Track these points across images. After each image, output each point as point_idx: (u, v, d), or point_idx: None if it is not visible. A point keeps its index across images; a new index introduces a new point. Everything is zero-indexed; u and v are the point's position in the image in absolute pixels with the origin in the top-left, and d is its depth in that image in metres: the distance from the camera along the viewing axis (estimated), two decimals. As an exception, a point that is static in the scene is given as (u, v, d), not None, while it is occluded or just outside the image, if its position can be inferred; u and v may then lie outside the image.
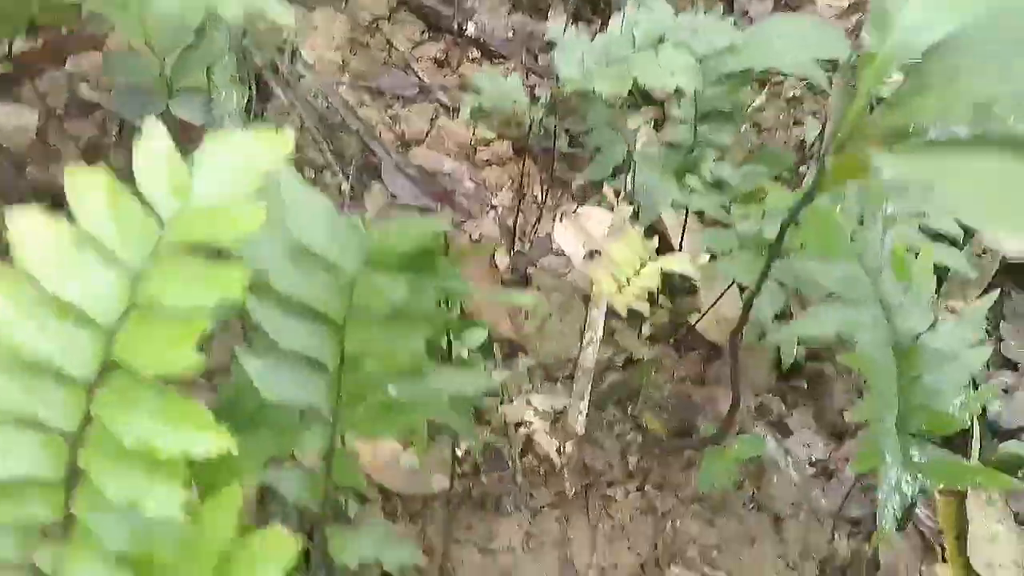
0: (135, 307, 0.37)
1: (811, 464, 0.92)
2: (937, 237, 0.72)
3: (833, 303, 0.59)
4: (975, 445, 0.91)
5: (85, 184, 0.39)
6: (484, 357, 0.85)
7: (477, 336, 0.83)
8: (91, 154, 0.87)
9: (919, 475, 0.64)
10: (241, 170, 0.40)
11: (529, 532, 0.81)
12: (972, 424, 0.91)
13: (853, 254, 0.61)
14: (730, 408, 0.68)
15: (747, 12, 1.36)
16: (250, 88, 0.90)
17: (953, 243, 0.73)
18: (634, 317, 0.95)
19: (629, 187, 0.85)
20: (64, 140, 0.85)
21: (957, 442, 0.90)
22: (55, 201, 0.81)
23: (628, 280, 0.62)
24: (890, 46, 0.41)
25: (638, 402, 0.87)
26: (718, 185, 0.80)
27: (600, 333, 0.86)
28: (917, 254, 0.66)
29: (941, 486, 0.92)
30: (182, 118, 0.70)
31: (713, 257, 0.78)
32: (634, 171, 0.83)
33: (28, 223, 0.39)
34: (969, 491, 0.90)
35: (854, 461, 0.60)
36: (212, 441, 0.36)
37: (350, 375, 0.41)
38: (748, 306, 0.61)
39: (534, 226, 1.01)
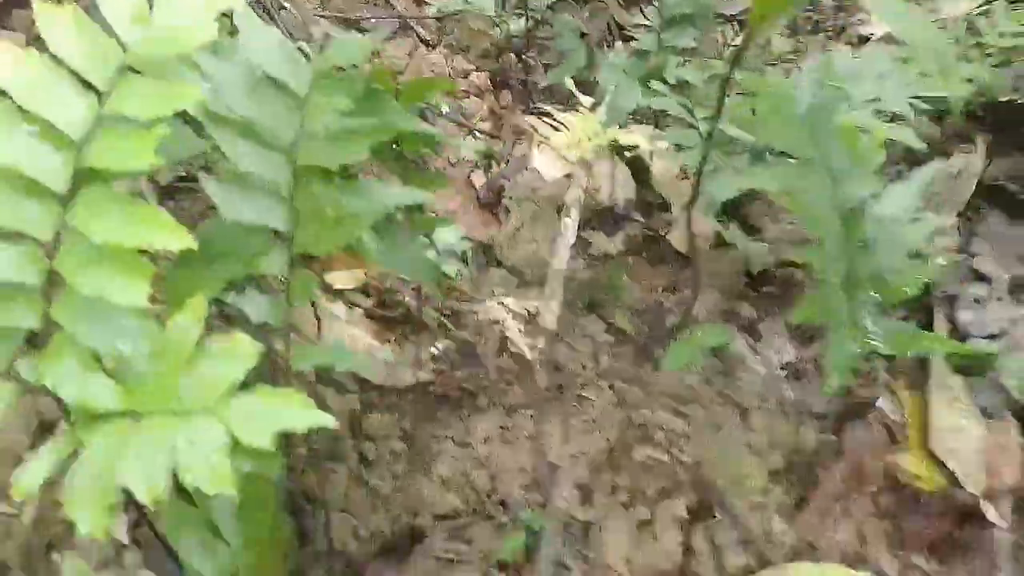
0: (102, 120, 0.41)
1: (782, 368, 0.94)
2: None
3: (782, 162, 0.62)
4: (940, 327, 0.94)
5: (54, 17, 0.42)
6: (458, 260, 0.88)
7: (450, 236, 0.86)
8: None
9: (873, 341, 0.67)
10: (197, 5, 0.43)
11: (504, 426, 0.85)
12: (934, 309, 0.94)
13: (802, 121, 0.63)
14: (692, 288, 0.71)
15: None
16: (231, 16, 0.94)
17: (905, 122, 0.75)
18: (606, 229, 0.98)
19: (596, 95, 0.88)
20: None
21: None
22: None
23: (585, 139, 0.65)
24: None
25: (610, 305, 0.90)
26: (682, 87, 0.83)
27: (572, 238, 0.89)
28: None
29: (906, 387, 0.95)
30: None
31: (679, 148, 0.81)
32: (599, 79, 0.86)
33: (4, 52, 0.42)
34: (933, 387, 0.92)
35: (797, 311, 0.63)
36: (174, 239, 0.40)
37: (302, 193, 0.44)
38: (698, 180, 0.64)
39: (511, 147, 1.04)
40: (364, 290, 0.87)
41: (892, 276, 0.66)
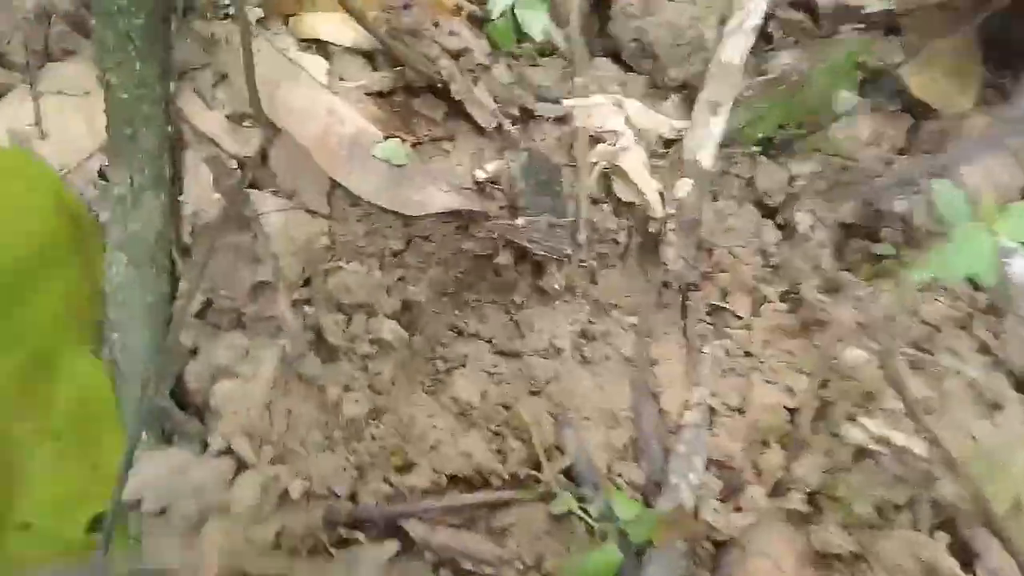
0: None
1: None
2: None
3: None
4: None
5: None
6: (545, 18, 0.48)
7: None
8: None
9: None
10: None
11: (587, 333, 0.47)
12: None
13: None
14: None
15: None
16: None
17: None
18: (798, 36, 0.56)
19: None
20: None
21: None
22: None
23: None
24: None
25: (800, 150, 0.50)
26: None
27: (757, 19, 0.48)
28: None
29: None
30: None
31: None
32: None
33: None
34: None
35: None
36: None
37: None
38: None
39: None
40: (368, 53, 0.47)
41: None
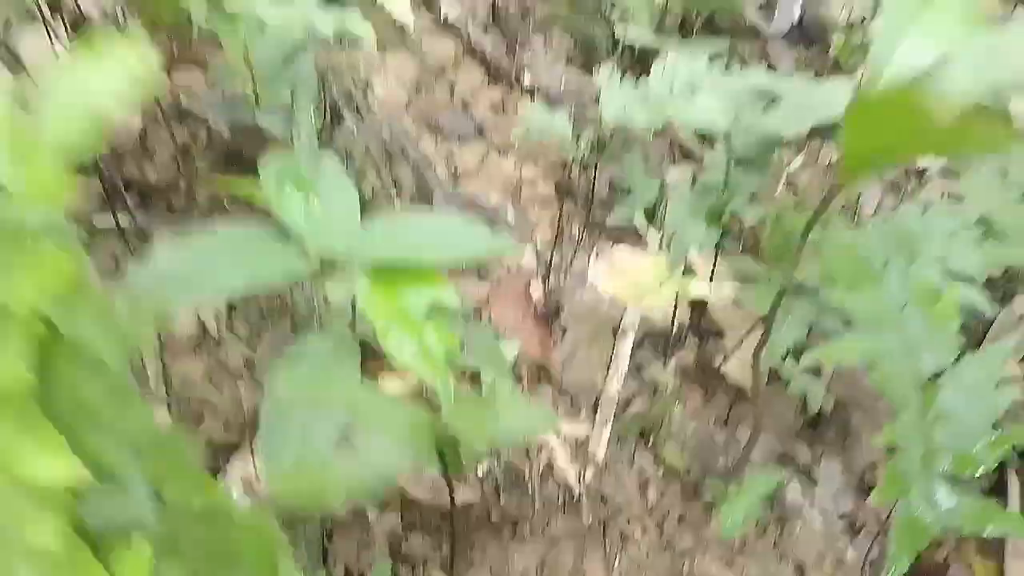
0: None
1: (840, 517, 0.89)
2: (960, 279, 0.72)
3: (857, 331, 0.61)
4: (1013, 492, 0.88)
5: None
6: (510, 379, 0.88)
7: (508, 352, 0.86)
8: (184, 154, 0.95)
9: (945, 518, 0.63)
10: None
11: (545, 561, 0.81)
12: (1007, 471, 0.88)
13: (878, 286, 0.62)
14: (752, 432, 0.69)
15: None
16: (325, 113, 1.00)
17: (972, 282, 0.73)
18: (661, 356, 0.97)
19: (661, 227, 0.89)
20: (160, 142, 0.94)
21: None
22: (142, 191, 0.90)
23: (649, 293, 0.65)
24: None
25: (660, 437, 0.88)
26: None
27: (626, 366, 0.88)
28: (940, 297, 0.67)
29: (977, 552, 0.89)
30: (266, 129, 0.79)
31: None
32: (665, 211, 0.87)
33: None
34: (1008, 557, 0.86)
35: (876, 491, 0.59)
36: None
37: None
38: (768, 329, 0.63)
39: (570, 261, 1.05)
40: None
41: (970, 448, 0.63)
